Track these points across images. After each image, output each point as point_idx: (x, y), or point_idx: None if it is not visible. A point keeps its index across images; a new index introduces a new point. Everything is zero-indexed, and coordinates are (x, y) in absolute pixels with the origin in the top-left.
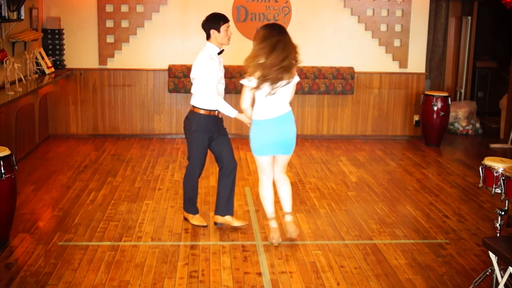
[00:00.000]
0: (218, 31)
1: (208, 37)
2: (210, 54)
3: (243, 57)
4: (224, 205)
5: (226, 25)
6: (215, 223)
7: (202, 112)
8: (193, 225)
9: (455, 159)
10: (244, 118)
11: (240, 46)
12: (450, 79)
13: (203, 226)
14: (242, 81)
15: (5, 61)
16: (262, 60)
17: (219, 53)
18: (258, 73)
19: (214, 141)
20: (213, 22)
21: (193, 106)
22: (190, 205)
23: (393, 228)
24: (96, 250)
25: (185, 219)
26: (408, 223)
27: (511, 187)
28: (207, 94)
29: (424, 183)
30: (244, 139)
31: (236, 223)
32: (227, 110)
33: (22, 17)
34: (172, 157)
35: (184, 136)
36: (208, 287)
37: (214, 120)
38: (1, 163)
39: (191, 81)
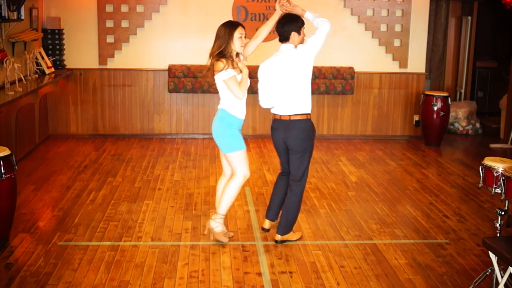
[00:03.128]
0: (299, 33)
1: (287, 39)
2: None
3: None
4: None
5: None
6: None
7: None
8: (295, 241)
9: (455, 159)
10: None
11: None
12: (450, 79)
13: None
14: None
15: (5, 61)
16: None
17: None
18: None
19: None
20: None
21: (308, 114)
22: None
23: (393, 228)
24: (96, 250)
25: (279, 242)
26: (408, 223)
27: (511, 187)
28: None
29: (424, 183)
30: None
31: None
32: None
33: (22, 17)
34: (172, 157)
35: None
36: (208, 287)
37: None
38: (1, 163)
39: (299, 85)
